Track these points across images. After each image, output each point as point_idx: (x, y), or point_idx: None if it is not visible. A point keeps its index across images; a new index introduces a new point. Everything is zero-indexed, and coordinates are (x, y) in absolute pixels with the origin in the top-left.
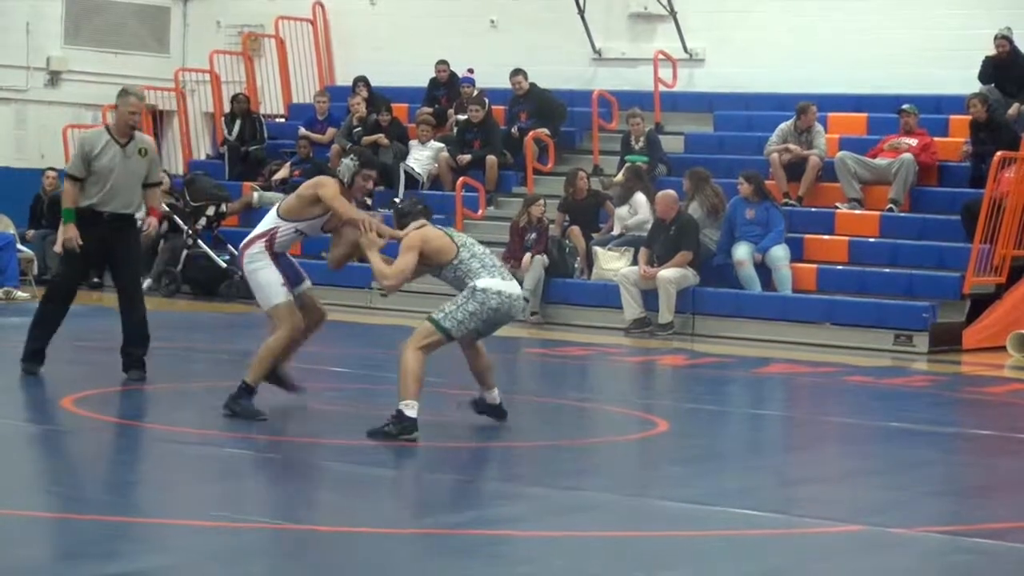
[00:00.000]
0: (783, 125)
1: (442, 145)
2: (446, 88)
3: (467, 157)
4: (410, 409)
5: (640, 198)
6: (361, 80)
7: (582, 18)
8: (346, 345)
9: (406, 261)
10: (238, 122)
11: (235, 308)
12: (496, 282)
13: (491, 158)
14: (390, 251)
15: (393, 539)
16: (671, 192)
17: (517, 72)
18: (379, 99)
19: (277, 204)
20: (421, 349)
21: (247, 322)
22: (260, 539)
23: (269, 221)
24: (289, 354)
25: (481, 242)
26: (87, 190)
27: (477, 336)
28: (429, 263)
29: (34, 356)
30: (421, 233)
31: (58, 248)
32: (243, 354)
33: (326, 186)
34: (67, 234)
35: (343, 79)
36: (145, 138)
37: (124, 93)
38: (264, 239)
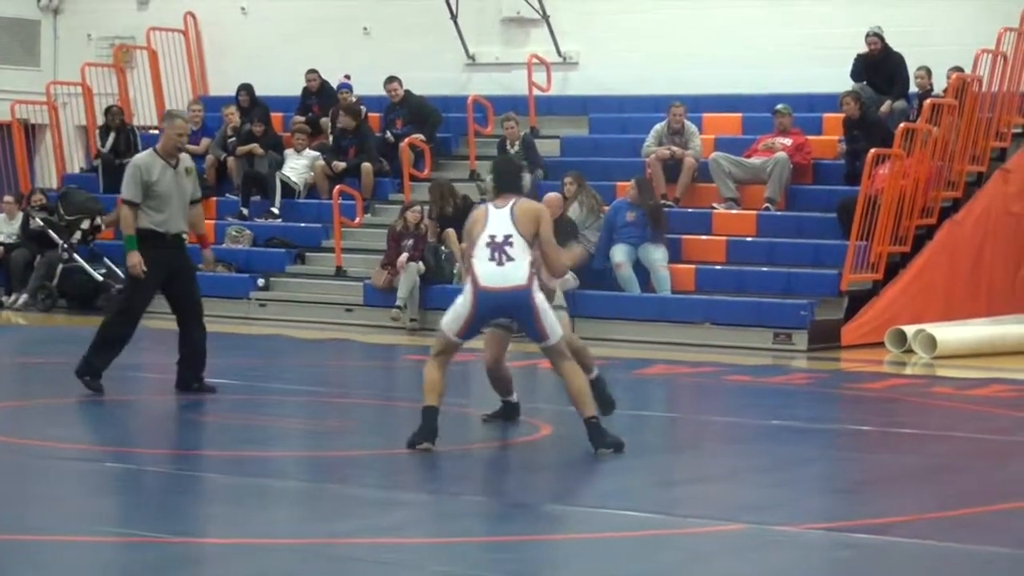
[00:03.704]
0: (657, 126)
1: (317, 154)
2: (318, 96)
3: (342, 164)
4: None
5: None
6: (244, 88)
7: (455, 24)
8: (226, 356)
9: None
10: (112, 134)
11: None
12: None
13: (366, 165)
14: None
15: (278, 550)
16: (556, 195)
17: (392, 79)
18: (257, 107)
19: (512, 225)
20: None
21: None
22: (147, 554)
23: (527, 251)
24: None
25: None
26: (149, 214)
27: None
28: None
29: (95, 374)
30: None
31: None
32: (121, 367)
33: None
34: (132, 260)
35: (216, 89)
36: (187, 157)
37: (171, 116)
38: (535, 270)
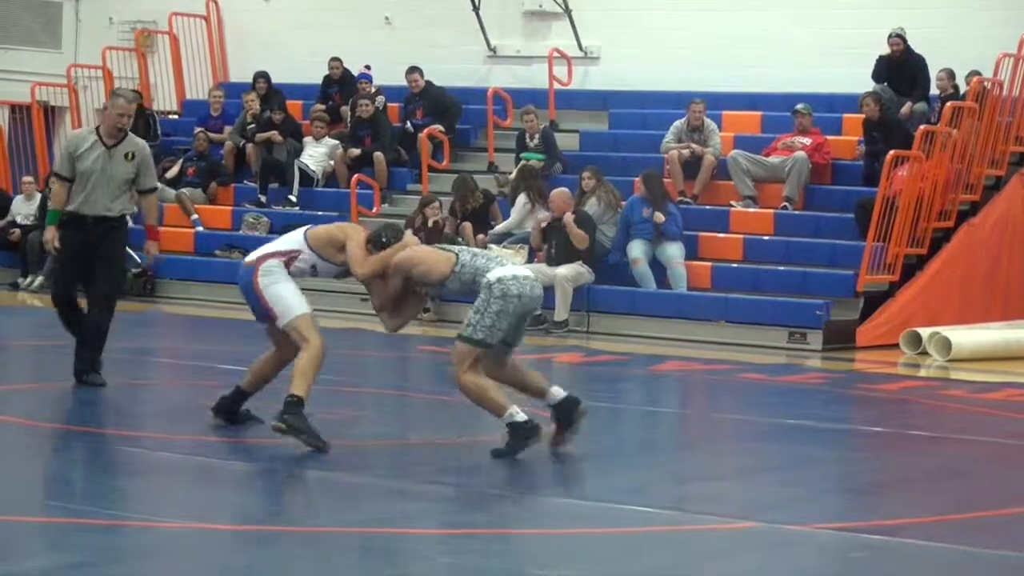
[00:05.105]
0: (677, 123)
1: (337, 142)
2: (339, 85)
3: (356, 151)
4: (517, 416)
5: (518, 201)
6: (261, 76)
7: (477, 15)
8: (241, 343)
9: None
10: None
11: (128, 306)
12: (508, 269)
13: (378, 155)
14: None
15: (291, 537)
16: (565, 189)
17: (413, 70)
18: (274, 95)
19: (307, 227)
20: (470, 371)
21: (140, 320)
22: (154, 537)
23: (293, 242)
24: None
25: None
26: (72, 192)
27: (507, 347)
28: (426, 283)
29: (88, 366)
30: (407, 256)
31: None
32: (133, 351)
33: (354, 240)
34: (45, 235)
35: (237, 76)
36: (138, 141)
37: (113, 95)
38: (283, 257)
